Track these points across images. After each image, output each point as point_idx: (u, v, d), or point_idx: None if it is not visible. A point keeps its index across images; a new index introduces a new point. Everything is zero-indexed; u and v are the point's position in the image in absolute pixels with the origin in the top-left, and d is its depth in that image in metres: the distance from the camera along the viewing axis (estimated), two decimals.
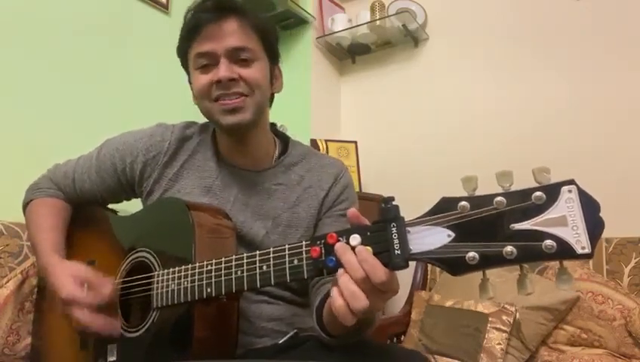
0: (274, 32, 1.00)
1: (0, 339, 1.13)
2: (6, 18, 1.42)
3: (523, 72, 2.12)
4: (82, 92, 1.59)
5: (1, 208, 1.26)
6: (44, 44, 1.51)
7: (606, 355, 1.53)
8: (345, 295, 0.60)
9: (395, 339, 1.86)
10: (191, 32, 0.93)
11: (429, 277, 2.04)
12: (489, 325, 1.60)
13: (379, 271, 0.58)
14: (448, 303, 1.75)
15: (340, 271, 0.61)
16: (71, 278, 0.87)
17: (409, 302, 1.94)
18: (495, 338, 1.57)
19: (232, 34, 0.91)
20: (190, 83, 1.00)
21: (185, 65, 1.00)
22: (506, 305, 1.61)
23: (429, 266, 2.04)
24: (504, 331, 1.57)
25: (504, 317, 1.60)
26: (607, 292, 1.59)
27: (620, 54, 1.92)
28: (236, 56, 0.92)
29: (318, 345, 0.86)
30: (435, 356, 1.64)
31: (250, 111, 0.92)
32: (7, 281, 1.17)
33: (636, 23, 1.90)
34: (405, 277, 1.93)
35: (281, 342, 0.93)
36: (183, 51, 0.98)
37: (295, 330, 0.95)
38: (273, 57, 1.00)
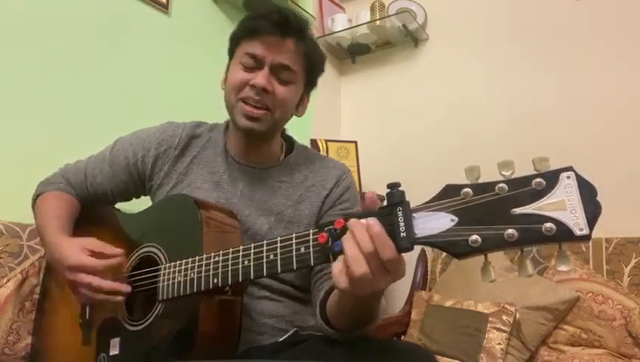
0: (321, 65, 1.05)
1: (0, 339, 1.13)
2: (5, 18, 1.42)
3: (523, 71, 2.12)
4: (82, 92, 1.59)
5: (1, 208, 1.26)
6: (44, 45, 1.51)
7: (606, 355, 1.53)
8: (348, 255, 0.60)
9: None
10: (249, 33, 0.98)
11: (429, 277, 2.04)
12: (489, 325, 1.60)
13: (388, 249, 0.59)
14: (448, 303, 1.75)
15: (347, 236, 0.61)
16: (78, 248, 0.89)
17: (409, 301, 1.94)
18: (495, 339, 1.57)
19: (284, 52, 0.96)
20: (227, 68, 1.04)
21: (231, 52, 1.04)
22: (506, 305, 1.61)
23: (429, 266, 2.04)
24: (504, 331, 1.57)
25: (504, 317, 1.59)
26: (607, 292, 1.59)
27: (619, 53, 1.92)
28: (278, 72, 0.97)
29: (319, 343, 0.86)
30: (435, 356, 1.63)
31: (266, 124, 0.98)
32: (7, 281, 1.17)
33: (636, 23, 1.91)
34: (405, 277, 1.92)
35: (280, 340, 0.93)
36: (234, 42, 1.03)
37: (295, 328, 0.95)
38: (309, 86, 1.06)
